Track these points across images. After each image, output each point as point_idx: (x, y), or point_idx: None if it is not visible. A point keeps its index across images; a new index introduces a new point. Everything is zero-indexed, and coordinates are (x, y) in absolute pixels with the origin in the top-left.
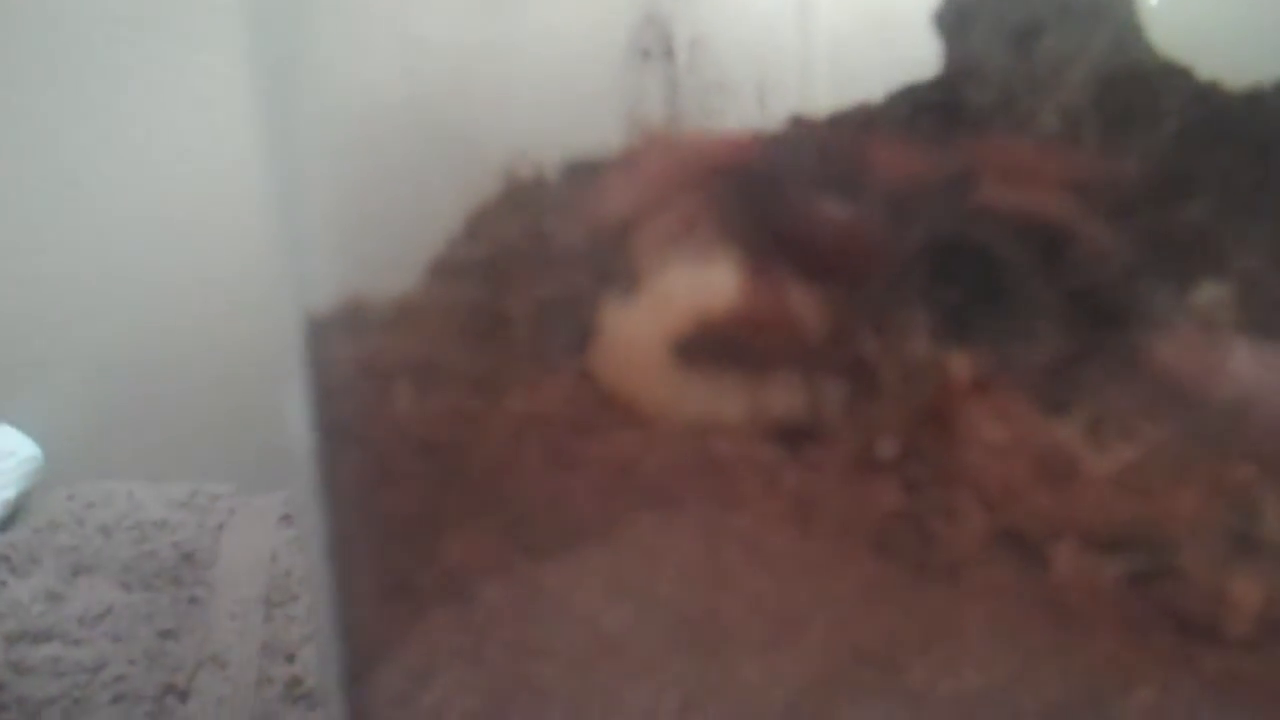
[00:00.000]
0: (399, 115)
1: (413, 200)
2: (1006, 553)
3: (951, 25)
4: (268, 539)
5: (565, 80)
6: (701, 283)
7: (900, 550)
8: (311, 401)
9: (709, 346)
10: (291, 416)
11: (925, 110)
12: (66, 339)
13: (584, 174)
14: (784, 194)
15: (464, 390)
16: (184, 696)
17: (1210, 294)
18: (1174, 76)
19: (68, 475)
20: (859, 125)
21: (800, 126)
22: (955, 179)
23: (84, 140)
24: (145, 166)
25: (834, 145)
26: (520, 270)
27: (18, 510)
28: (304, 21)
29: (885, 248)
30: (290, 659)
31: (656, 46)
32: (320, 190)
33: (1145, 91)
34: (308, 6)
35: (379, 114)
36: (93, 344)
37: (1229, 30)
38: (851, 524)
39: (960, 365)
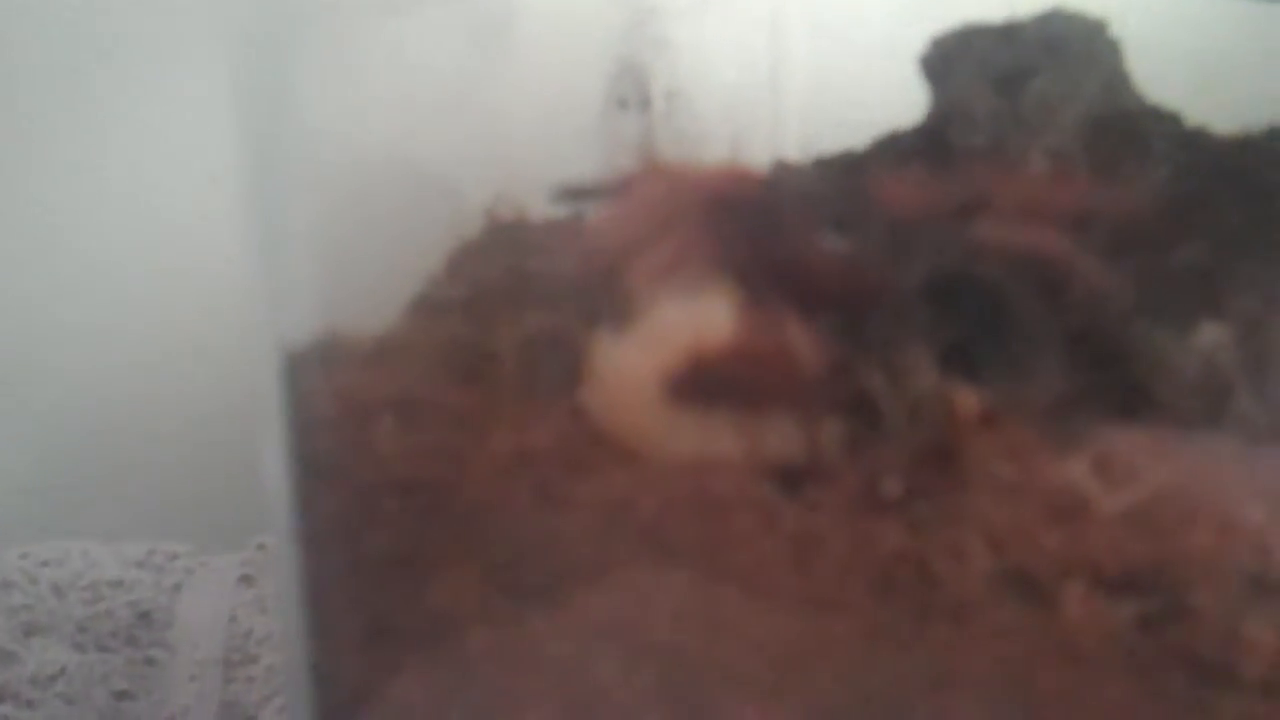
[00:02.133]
0: (380, 154)
1: (392, 240)
2: (1014, 594)
3: (937, 69)
4: (226, 599)
5: (545, 127)
6: (696, 317)
7: (904, 592)
8: (289, 439)
9: (704, 383)
10: (267, 455)
11: (911, 155)
12: (17, 393)
13: (574, 196)
14: (782, 226)
15: (448, 427)
16: None
17: (1211, 334)
18: (1163, 121)
19: (20, 534)
20: (847, 168)
21: (798, 169)
22: (957, 211)
23: (39, 183)
24: (105, 210)
25: (834, 179)
26: (503, 308)
27: None
28: (286, 59)
29: (885, 282)
30: None
31: (633, 96)
32: (300, 226)
33: (1135, 135)
34: (290, 44)
35: (360, 152)
36: (46, 399)
37: (1215, 76)
38: (853, 565)
39: (968, 401)
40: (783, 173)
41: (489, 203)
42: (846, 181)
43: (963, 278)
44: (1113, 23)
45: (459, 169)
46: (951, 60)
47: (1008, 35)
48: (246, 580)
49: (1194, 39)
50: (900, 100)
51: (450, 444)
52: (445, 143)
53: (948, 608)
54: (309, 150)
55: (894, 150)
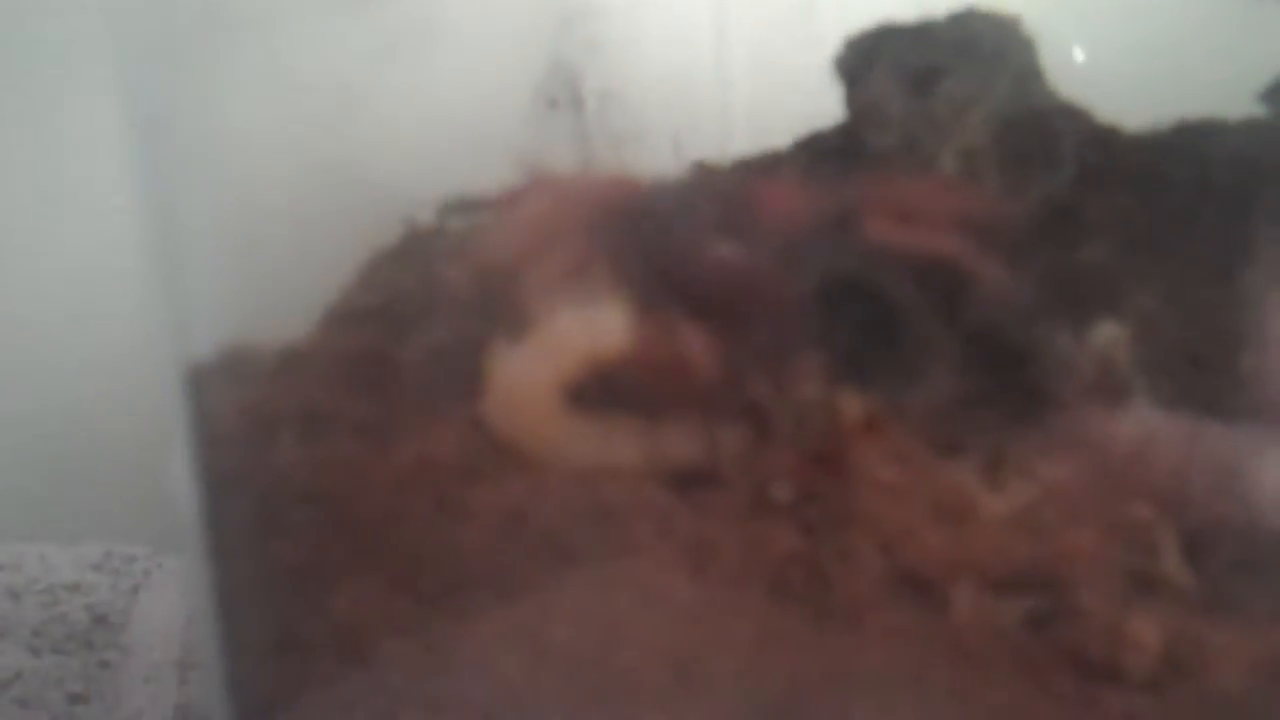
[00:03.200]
0: (287, 161)
1: (307, 249)
2: (905, 595)
3: (852, 70)
4: (183, 601)
5: (469, 129)
6: (592, 326)
7: (797, 594)
8: (194, 452)
9: (600, 391)
10: (173, 469)
11: (828, 155)
12: None
13: (463, 212)
14: (674, 235)
15: (351, 439)
16: None
17: (1107, 333)
18: (1073, 118)
19: None
20: (761, 170)
21: (702, 172)
22: (845, 217)
23: None
24: (28, 215)
25: (724, 188)
26: (413, 317)
27: None
28: (187, 62)
29: (777, 289)
30: None
31: (564, 96)
32: (202, 237)
33: (1044, 133)
34: (191, 47)
35: (265, 160)
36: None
37: (1133, 72)
38: (747, 569)
39: (851, 406)
40: (668, 182)
41: (408, 208)
42: (740, 189)
43: (852, 282)
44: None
45: (379, 173)
46: (865, 61)
47: (921, 35)
48: None
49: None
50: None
51: (353, 455)
52: (362, 143)
53: (840, 609)
54: (208, 152)
55: (812, 150)
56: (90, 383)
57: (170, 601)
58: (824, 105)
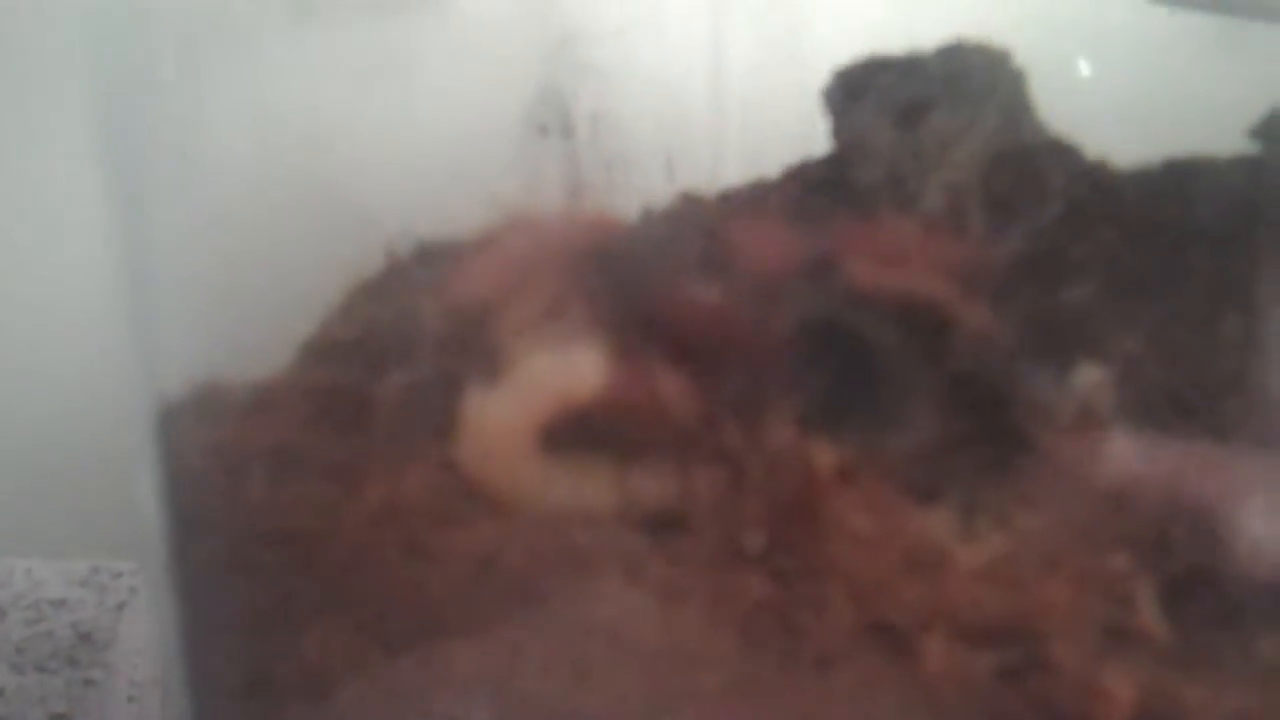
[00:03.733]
0: (264, 191)
1: (285, 281)
2: (876, 645)
3: (839, 101)
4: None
5: (456, 156)
6: (566, 368)
7: (768, 642)
8: (162, 490)
9: (574, 433)
10: (143, 503)
11: (815, 188)
12: None
13: (438, 256)
14: (650, 277)
15: (321, 479)
16: None
17: (1089, 376)
18: (1061, 154)
19: None
20: (748, 203)
21: (686, 205)
22: (823, 261)
23: None
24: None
25: (705, 225)
26: (389, 353)
27: None
28: (158, 88)
29: (755, 332)
30: None
31: (554, 122)
32: (175, 266)
33: (1031, 170)
34: (162, 72)
35: (241, 189)
36: None
37: (1122, 106)
38: (718, 616)
39: (824, 455)
40: (647, 221)
41: (391, 238)
42: (717, 229)
43: (832, 326)
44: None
45: (363, 202)
46: (853, 92)
47: (909, 67)
48: None
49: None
50: None
51: (323, 496)
52: (346, 175)
53: (812, 658)
54: (181, 182)
55: (800, 183)
56: (75, 400)
57: (155, 619)
58: (817, 132)
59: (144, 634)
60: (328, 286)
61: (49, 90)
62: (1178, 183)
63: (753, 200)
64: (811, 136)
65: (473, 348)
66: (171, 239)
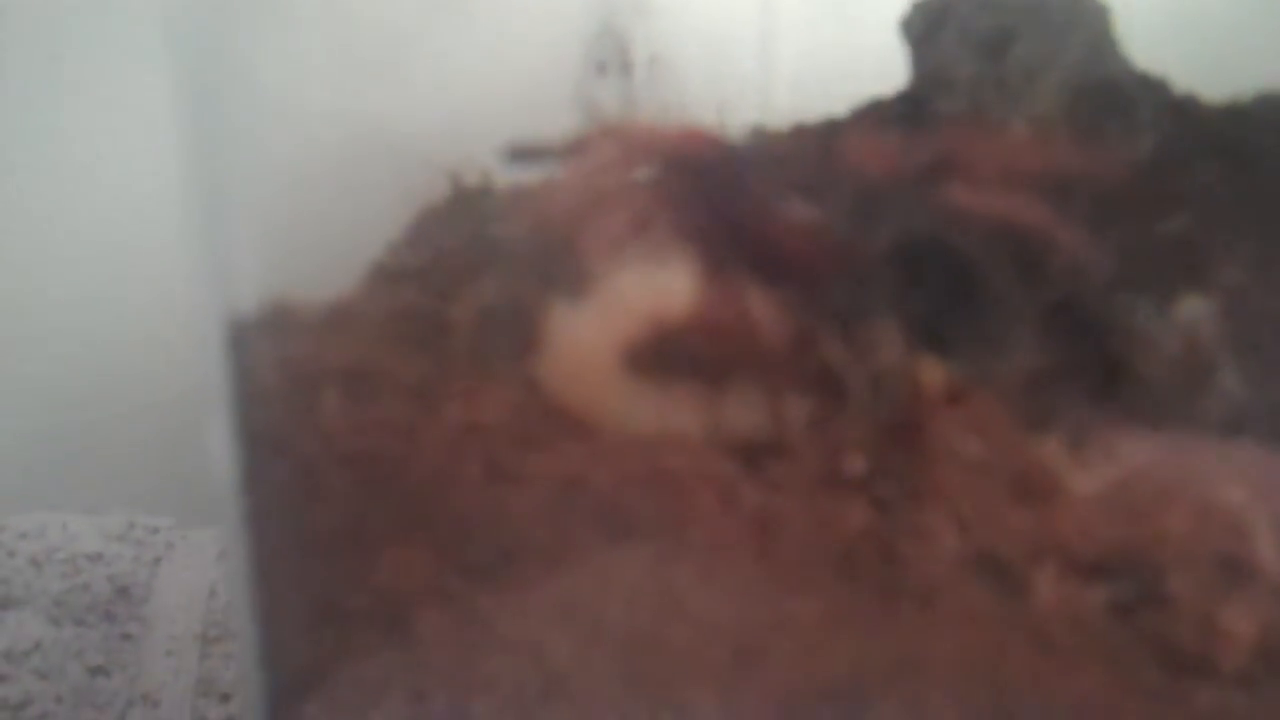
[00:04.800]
0: (335, 118)
1: (352, 205)
2: (982, 578)
3: (919, 32)
4: (207, 574)
5: (518, 91)
6: (655, 286)
7: (867, 574)
8: (234, 411)
9: (663, 354)
10: (213, 428)
11: (892, 121)
12: None
13: (527, 158)
14: (745, 191)
15: (398, 399)
16: None
17: (1194, 308)
18: (1150, 88)
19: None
20: (824, 135)
21: (762, 135)
22: (926, 172)
23: None
24: (59, 183)
25: (799, 143)
26: (464, 276)
27: None
28: (229, 18)
29: (852, 249)
30: (225, 698)
31: (613, 61)
32: (246, 191)
33: (1120, 102)
34: (233, 3)
35: (312, 110)
36: (27, 371)
37: (1207, 43)
38: (815, 545)
39: (934, 374)
40: (747, 136)
41: (456, 166)
42: (813, 145)
43: (932, 245)
44: None
45: (425, 132)
46: (933, 24)
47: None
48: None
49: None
50: (893, 67)
51: (400, 416)
52: (408, 107)
53: (913, 590)
54: (256, 106)
55: (875, 117)
56: (120, 353)
57: (194, 573)
58: (867, 80)
59: (181, 589)
60: (391, 210)
61: (131, 25)
62: (1272, 114)
63: (829, 134)
64: (856, 95)
65: (557, 263)
66: (243, 159)
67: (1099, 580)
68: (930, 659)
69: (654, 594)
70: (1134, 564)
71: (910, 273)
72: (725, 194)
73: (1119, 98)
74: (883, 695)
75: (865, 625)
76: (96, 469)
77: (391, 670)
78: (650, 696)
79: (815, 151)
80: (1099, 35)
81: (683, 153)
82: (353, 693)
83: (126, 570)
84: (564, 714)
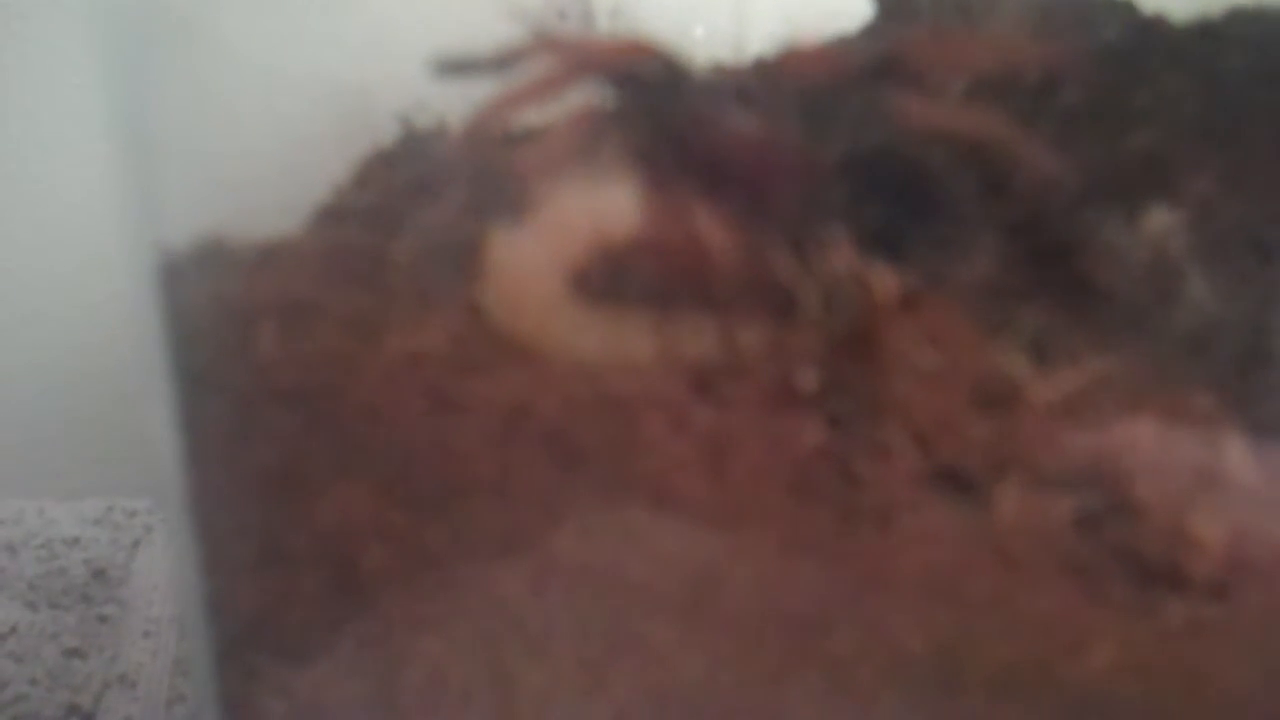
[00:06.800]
0: (275, 64)
1: (295, 149)
2: (943, 494)
3: None
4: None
5: (472, 40)
6: (599, 206)
7: (824, 494)
8: (166, 347)
9: (608, 276)
10: (146, 365)
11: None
12: None
13: (457, 68)
14: (689, 105)
15: (336, 331)
16: (89, 717)
17: (1161, 220)
18: (1115, 9)
19: None
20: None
21: (722, 73)
22: (872, 72)
23: None
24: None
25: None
26: (408, 213)
27: None
28: None
29: (802, 158)
30: None
31: (573, 8)
32: (180, 133)
33: (1083, 22)
34: None
35: (245, 66)
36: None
37: None
38: (769, 467)
39: (886, 281)
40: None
41: (406, 109)
42: (763, 66)
43: (885, 154)
44: None
45: (366, 79)
46: None
47: None
48: None
49: None
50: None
51: (339, 348)
52: (349, 51)
53: (872, 510)
54: (192, 51)
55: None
56: (93, 336)
57: (171, 556)
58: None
59: (159, 571)
60: (330, 156)
61: None
62: (1242, 29)
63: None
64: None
65: (498, 185)
66: (177, 103)
67: (1064, 492)
68: (892, 580)
69: (606, 524)
70: (1099, 474)
71: (863, 181)
72: (669, 108)
73: (1081, 18)
74: (844, 619)
75: (823, 548)
76: (73, 455)
77: (336, 612)
78: (604, 631)
79: (762, 68)
80: None
81: (624, 65)
82: (297, 636)
83: (104, 554)
84: (516, 650)
